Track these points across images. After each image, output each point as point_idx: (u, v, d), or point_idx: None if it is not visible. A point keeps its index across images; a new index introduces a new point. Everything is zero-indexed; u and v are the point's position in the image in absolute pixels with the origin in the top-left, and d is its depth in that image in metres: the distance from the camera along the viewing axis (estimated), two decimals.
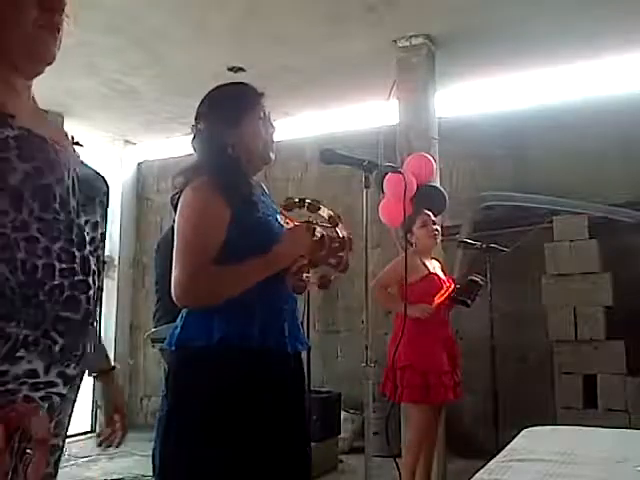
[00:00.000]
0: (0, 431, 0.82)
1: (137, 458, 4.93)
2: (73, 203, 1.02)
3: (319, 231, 1.65)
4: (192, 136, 1.75)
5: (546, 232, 4.62)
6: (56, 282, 0.98)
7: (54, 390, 0.99)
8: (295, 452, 1.66)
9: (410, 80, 4.36)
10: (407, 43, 4.33)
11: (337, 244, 1.67)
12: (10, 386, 0.91)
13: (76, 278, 1.01)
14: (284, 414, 1.62)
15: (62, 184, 1.00)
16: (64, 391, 1.02)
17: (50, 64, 1.07)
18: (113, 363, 1.40)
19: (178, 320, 1.65)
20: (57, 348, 0.98)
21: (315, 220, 1.69)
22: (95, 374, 1.36)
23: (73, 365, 1.03)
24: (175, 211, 1.65)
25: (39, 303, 0.96)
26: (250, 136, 1.71)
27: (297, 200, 1.73)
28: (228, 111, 1.71)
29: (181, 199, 1.63)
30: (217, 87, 1.78)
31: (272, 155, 1.76)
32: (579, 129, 4.79)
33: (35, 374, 0.95)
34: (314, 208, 1.72)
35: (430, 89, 4.45)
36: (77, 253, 1.01)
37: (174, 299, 1.57)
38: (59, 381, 1.00)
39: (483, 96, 5.34)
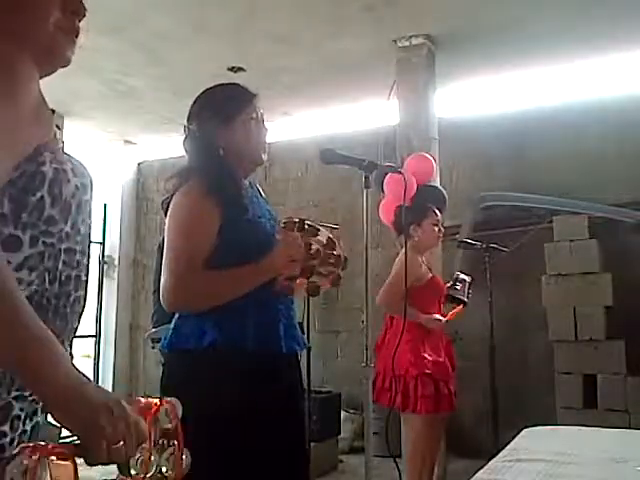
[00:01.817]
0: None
1: None
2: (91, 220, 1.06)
3: (315, 247, 1.65)
4: (184, 137, 1.75)
5: (546, 232, 4.62)
6: (78, 294, 1.00)
7: None
8: (292, 454, 1.66)
9: (410, 80, 4.36)
10: (407, 43, 4.33)
11: (332, 260, 1.67)
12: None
13: (87, 291, 1.04)
14: (280, 414, 1.61)
15: (91, 202, 1.03)
16: None
17: (64, 67, 1.06)
18: None
19: (172, 322, 1.65)
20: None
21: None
22: None
23: None
24: (166, 216, 1.65)
25: (64, 314, 0.97)
26: (242, 137, 1.70)
27: (296, 221, 1.72)
28: (220, 112, 1.70)
29: (171, 204, 1.63)
30: (210, 88, 1.78)
31: (264, 157, 1.75)
32: (579, 129, 4.80)
33: None
34: (313, 233, 1.71)
35: (430, 89, 4.45)
36: (89, 267, 1.05)
37: (163, 305, 1.58)
38: None
39: (483, 96, 5.34)
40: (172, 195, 1.65)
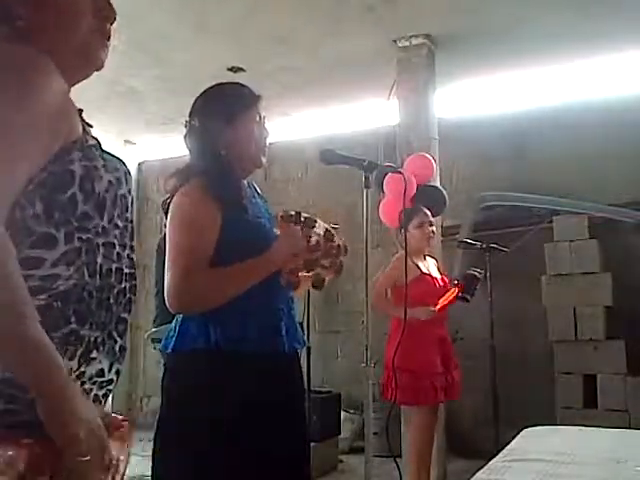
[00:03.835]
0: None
1: (137, 458, 4.91)
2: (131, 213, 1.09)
3: (315, 239, 1.65)
4: (185, 132, 1.74)
5: (546, 232, 4.62)
6: (122, 286, 1.03)
7: (111, 387, 1.05)
8: (294, 453, 1.66)
9: (410, 80, 4.36)
10: (407, 43, 4.33)
11: (333, 250, 1.68)
12: (86, 386, 0.96)
13: (134, 282, 1.07)
14: (281, 414, 1.61)
15: (130, 196, 1.07)
16: (113, 387, 1.07)
17: (98, 70, 1.10)
18: None
19: (174, 323, 1.65)
20: (117, 347, 1.04)
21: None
22: None
23: (123, 362, 1.08)
24: (166, 216, 1.65)
25: (109, 306, 1.01)
26: (244, 138, 1.69)
27: (292, 214, 1.73)
28: (224, 110, 1.69)
29: (172, 204, 1.63)
30: (215, 85, 1.77)
31: (264, 159, 1.74)
32: (579, 129, 4.79)
33: (102, 373, 1.00)
34: (310, 224, 1.72)
35: (430, 89, 4.45)
36: (134, 259, 1.08)
37: (167, 306, 1.57)
38: (115, 378, 1.05)
39: (483, 96, 5.34)
40: (172, 195, 1.65)
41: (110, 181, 1.00)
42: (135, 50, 4.45)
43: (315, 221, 1.73)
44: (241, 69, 4.73)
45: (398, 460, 2.85)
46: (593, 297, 4.41)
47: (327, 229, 1.72)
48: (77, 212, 0.95)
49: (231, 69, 4.72)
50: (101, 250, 0.98)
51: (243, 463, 1.52)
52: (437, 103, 4.56)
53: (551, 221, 4.65)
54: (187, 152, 1.76)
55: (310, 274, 1.71)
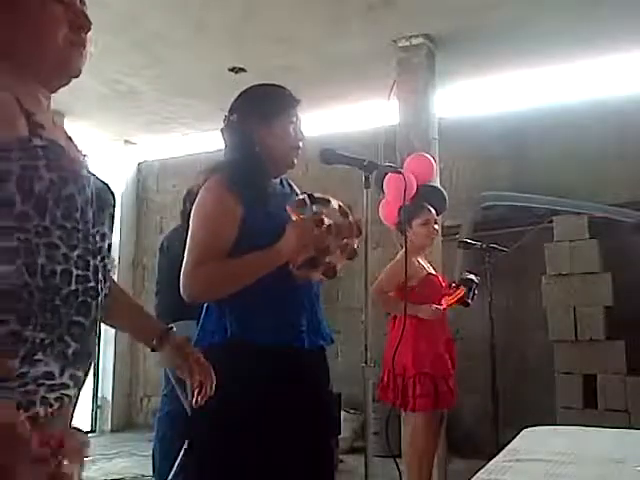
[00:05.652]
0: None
1: (137, 458, 4.93)
2: (90, 214, 1.06)
3: (327, 221, 1.63)
4: (223, 126, 1.78)
5: (546, 232, 4.62)
6: (72, 288, 1.02)
7: (66, 392, 1.02)
8: (313, 448, 1.64)
9: (410, 80, 4.36)
10: (407, 43, 4.33)
11: (345, 230, 1.66)
12: (29, 387, 0.94)
13: (89, 285, 1.05)
14: (302, 415, 1.59)
15: (83, 195, 1.04)
16: (72, 392, 1.05)
17: (76, 77, 1.15)
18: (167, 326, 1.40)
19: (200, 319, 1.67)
20: (70, 351, 1.02)
21: (325, 212, 1.67)
22: (154, 344, 1.36)
23: (83, 368, 1.06)
24: (190, 208, 1.68)
25: (55, 308, 0.99)
26: (278, 138, 1.73)
27: (306, 200, 1.71)
28: (262, 108, 1.74)
29: (197, 198, 1.65)
30: (257, 85, 1.83)
31: (295, 161, 1.78)
32: (579, 129, 4.79)
33: (51, 376, 0.98)
34: (324, 203, 1.71)
35: (430, 89, 4.45)
36: (91, 261, 1.06)
37: (182, 295, 1.59)
38: (71, 383, 1.03)
39: (483, 96, 5.35)
40: (197, 190, 1.66)
41: (52, 180, 0.97)
42: (135, 50, 4.45)
43: (329, 200, 1.71)
44: (242, 69, 4.73)
45: (398, 460, 2.85)
46: (593, 297, 4.41)
47: (341, 205, 1.71)
48: (15, 211, 0.94)
49: (232, 69, 4.72)
50: (42, 251, 0.97)
51: (260, 463, 1.51)
52: (437, 103, 4.56)
53: (551, 221, 4.65)
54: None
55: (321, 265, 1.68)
